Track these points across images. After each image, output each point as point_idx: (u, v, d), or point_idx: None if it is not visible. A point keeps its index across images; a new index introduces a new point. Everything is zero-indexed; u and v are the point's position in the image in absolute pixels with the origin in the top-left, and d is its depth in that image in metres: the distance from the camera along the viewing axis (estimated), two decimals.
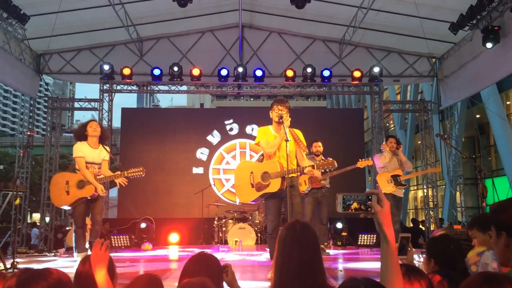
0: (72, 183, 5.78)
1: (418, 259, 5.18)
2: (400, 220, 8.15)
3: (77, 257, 5.76)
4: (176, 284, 2.24)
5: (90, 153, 5.92)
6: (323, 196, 7.56)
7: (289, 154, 4.88)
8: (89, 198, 5.82)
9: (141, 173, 5.86)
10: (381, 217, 1.62)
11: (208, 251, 2.62)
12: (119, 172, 5.95)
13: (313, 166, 5.08)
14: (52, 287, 1.65)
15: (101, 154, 6.01)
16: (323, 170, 5.43)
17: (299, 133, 5.28)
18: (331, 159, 5.14)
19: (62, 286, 1.69)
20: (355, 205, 1.68)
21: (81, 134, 5.99)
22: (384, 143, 7.84)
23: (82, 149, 5.88)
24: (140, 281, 2.21)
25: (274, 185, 4.99)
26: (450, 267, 2.48)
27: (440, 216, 14.12)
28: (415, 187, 24.20)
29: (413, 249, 2.74)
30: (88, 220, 8.12)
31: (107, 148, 6.17)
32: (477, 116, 17.04)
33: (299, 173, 5.33)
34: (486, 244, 2.72)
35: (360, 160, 7.40)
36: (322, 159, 7.25)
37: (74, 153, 5.92)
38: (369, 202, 1.65)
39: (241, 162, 6.28)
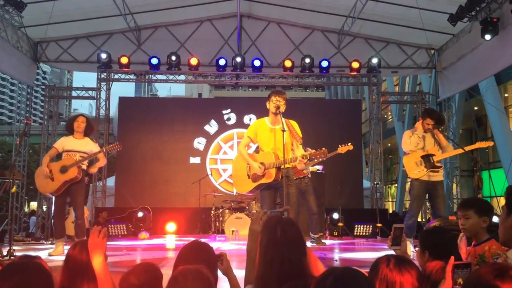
0: (56, 170, 6.21)
1: (413, 250, 5.20)
2: (444, 216, 5.94)
3: (55, 244, 6.41)
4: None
5: (72, 142, 6.43)
6: (306, 185, 7.32)
7: (285, 145, 4.91)
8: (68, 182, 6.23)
9: (119, 147, 6.45)
10: None
11: (205, 240, 2.63)
12: (99, 149, 6.46)
13: (305, 156, 5.12)
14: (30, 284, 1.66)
15: (88, 145, 6.46)
16: (315, 159, 5.49)
17: (294, 124, 5.34)
18: (323, 148, 5.12)
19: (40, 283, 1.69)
20: None
21: (69, 127, 6.57)
22: (418, 121, 6.36)
23: (63, 141, 6.47)
24: (139, 269, 2.23)
25: (270, 176, 5.05)
26: (445, 258, 2.50)
27: None
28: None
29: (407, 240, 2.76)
30: (84, 208, 8.18)
31: (95, 143, 6.65)
32: (475, 108, 17.04)
33: (294, 164, 5.36)
34: (476, 227, 2.77)
35: (340, 146, 6.59)
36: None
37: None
38: None
39: (239, 154, 6.29)
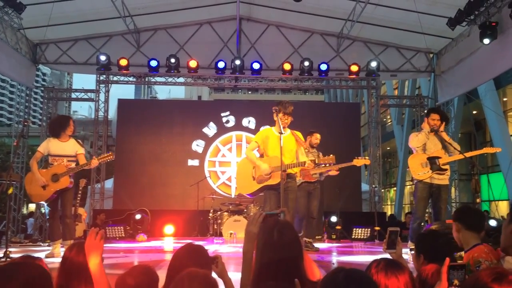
0: (47, 178, 6.07)
1: (410, 253, 5.19)
2: (442, 220, 5.66)
3: (51, 246, 6.33)
4: None
5: (57, 146, 6.24)
6: (314, 189, 7.23)
7: (289, 152, 5.45)
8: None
9: (111, 157, 6.36)
10: None
11: (202, 243, 2.63)
12: (91, 160, 6.27)
13: (314, 161, 5.48)
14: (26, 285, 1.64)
15: (74, 147, 6.30)
16: (323, 164, 5.71)
17: (299, 134, 5.74)
18: (332, 155, 5.44)
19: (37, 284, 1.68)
20: None
21: (56, 131, 6.32)
22: (424, 122, 6.16)
23: (48, 144, 6.24)
24: (135, 271, 2.22)
25: (276, 178, 5.34)
26: (440, 261, 2.50)
27: None
28: (411, 182, 24.28)
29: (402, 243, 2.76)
30: (82, 210, 8.20)
31: (80, 142, 6.49)
32: (474, 112, 17.04)
33: (298, 170, 5.74)
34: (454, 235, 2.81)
35: (356, 158, 6.66)
36: (316, 152, 7.29)
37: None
38: None
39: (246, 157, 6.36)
